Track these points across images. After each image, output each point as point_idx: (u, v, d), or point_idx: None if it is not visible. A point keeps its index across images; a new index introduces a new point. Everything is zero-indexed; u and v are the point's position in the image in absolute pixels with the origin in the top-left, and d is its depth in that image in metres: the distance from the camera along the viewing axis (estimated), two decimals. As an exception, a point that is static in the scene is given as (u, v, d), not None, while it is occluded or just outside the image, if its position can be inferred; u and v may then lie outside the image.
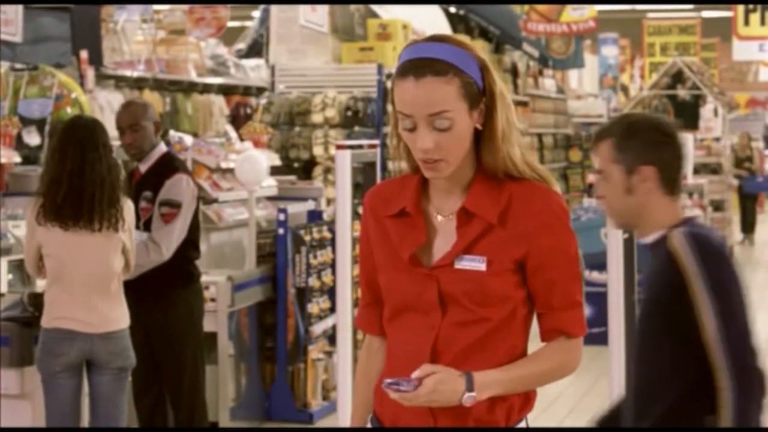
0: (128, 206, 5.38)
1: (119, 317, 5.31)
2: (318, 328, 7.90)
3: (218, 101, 11.34)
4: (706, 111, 17.00)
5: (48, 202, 5.20)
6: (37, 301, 5.44)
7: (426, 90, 2.59)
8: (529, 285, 2.72)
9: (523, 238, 2.67)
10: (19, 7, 8.44)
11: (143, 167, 6.10)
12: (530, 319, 2.78)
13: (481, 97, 2.65)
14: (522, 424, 2.74)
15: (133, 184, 6.06)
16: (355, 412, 2.90)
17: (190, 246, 6.15)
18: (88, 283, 5.22)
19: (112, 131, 9.22)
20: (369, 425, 2.81)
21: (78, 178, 5.20)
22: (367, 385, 2.85)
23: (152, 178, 6.05)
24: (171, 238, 5.94)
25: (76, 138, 5.27)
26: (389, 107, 2.81)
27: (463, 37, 2.75)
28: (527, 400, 2.75)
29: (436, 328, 2.66)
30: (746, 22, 16.57)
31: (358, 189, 6.49)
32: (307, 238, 7.81)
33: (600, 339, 9.78)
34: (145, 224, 5.95)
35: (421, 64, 2.60)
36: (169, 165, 6.08)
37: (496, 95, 2.67)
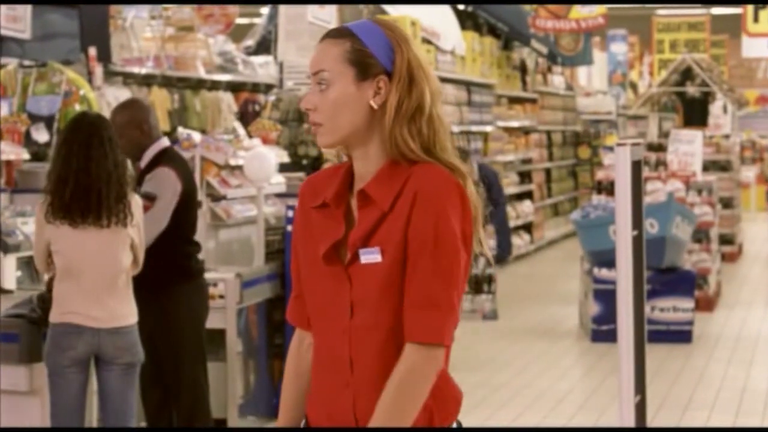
0: (136, 201, 5.38)
1: (127, 313, 5.32)
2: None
3: (227, 98, 11.34)
4: (715, 108, 16.96)
5: (56, 200, 5.21)
6: (46, 305, 5.44)
7: (318, 51, 2.63)
8: (404, 277, 2.56)
9: (399, 224, 2.54)
10: (28, 5, 8.45)
11: (142, 164, 6.14)
12: None
13: (380, 72, 2.58)
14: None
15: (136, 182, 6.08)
16: (285, 414, 2.76)
17: (183, 241, 6.13)
18: (97, 278, 5.23)
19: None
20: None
21: (84, 175, 5.20)
22: (298, 385, 2.75)
23: (144, 174, 6.09)
24: (145, 230, 5.96)
25: (82, 135, 5.27)
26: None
27: (392, 21, 2.70)
28: (444, 402, 2.61)
29: (348, 332, 2.58)
30: (756, 19, 16.54)
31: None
32: (316, 235, 7.79)
33: (609, 336, 9.77)
34: None
35: (329, 30, 2.66)
36: (156, 160, 6.10)
37: (396, 74, 2.59)
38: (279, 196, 8.31)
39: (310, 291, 2.66)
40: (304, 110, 2.58)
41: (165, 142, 6.24)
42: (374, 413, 2.53)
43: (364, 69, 2.59)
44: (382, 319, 2.56)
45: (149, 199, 5.92)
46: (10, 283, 6.44)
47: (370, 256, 2.56)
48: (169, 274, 6.03)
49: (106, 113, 8.95)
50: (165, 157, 6.15)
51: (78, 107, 8.27)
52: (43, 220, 5.24)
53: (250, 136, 9.19)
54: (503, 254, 11.00)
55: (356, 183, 2.64)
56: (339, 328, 2.59)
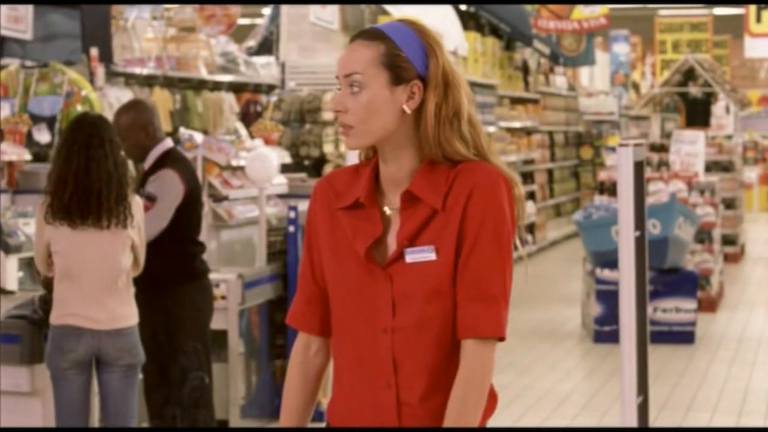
0: (136, 202, 5.37)
1: (127, 314, 5.30)
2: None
3: (228, 98, 11.34)
4: (717, 108, 16.95)
5: (56, 201, 5.20)
6: (47, 306, 5.43)
7: (350, 50, 2.61)
8: (456, 276, 2.57)
9: (454, 222, 2.56)
10: (30, 5, 8.44)
11: (146, 166, 6.15)
12: None
13: (414, 77, 2.59)
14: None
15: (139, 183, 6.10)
16: (290, 419, 2.73)
17: (186, 242, 6.14)
18: (97, 280, 5.22)
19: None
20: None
21: (85, 176, 5.19)
22: (304, 389, 2.72)
23: (148, 175, 6.09)
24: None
25: (82, 135, 5.26)
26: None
27: (423, 23, 2.70)
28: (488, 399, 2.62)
29: (389, 331, 2.57)
30: (758, 19, 16.53)
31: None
32: (318, 235, 7.78)
33: (611, 337, 9.76)
34: None
35: (360, 31, 2.63)
36: (161, 162, 6.10)
37: (432, 79, 2.59)
38: (281, 196, 8.31)
39: (339, 291, 2.63)
40: (333, 111, 2.57)
41: (169, 143, 6.24)
42: (448, 413, 2.53)
43: (399, 73, 2.59)
44: (431, 317, 2.56)
45: (150, 200, 5.92)
46: (11, 284, 6.44)
47: (421, 255, 2.56)
48: (174, 274, 6.04)
49: (108, 114, 8.95)
50: (169, 159, 6.16)
51: (80, 108, 8.27)
52: (42, 221, 5.23)
53: (251, 136, 9.18)
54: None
55: (385, 183, 2.63)
56: (378, 328, 2.58)
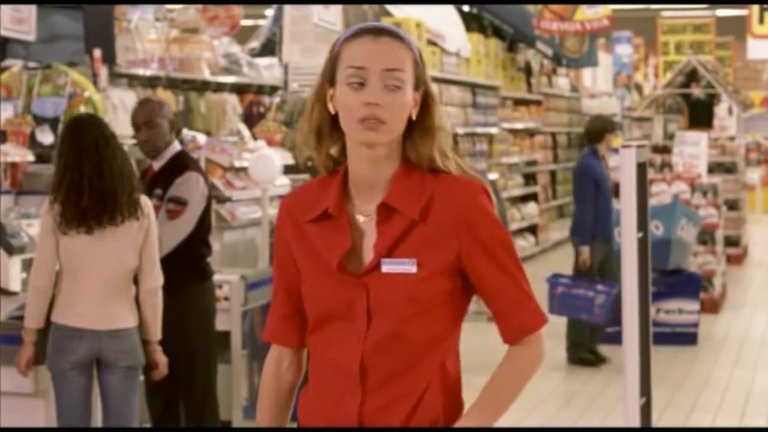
0: (144, 198, 5.35)
1: (127, 315, 5.28)
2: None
3: (231, 100, 11.34)
4: (720, 110, 16.94)
5: (70, 209, 5.13)
6: (49, 309, 5.39)
7: (386, 45, 2.57)
8: (478, 290, 2.64)
9: (452, 239, 2.58)
10: (33, 6, 8.45)
11: (156, 165, 6.12)
12: (458, 335, 2.68)
13: (421, 85, 2.62)
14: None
15: (146, 181, 6.06)
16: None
17: (201, 243, 6.17)
18: (102, 279, 5.20)
19: (126, 129, 9.27)
20: None
21: (99, 180, 5.14)
22: (277, 401, 2.77)
23: (164, 175, 6.06)
24: (172, 235, 5.95)
25: (87, 139, 5.21)
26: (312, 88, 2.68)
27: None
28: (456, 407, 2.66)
29: (362, 340, 2.57)
30: (761, 21, 16.50)
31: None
32: (320, 236, 7.78)
33: (614, 338, 9.75)
34: None
35: (378, 28, 2.60)
36: (180, 163, 6.10)
37: (430, 88, 2.64)
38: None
39: (315, 301, 2.63)
40: (366, 103, 2.53)
41: (178, 145, 6.24)
42: (469, 412, 2.58)
43: (418, 80, 2.62)
44: (408, 330, 2.57)
45: (180, 204, 5.91)
46: (15, 285, 6.44)
47: (399, 267, 2.56)
48: (187, 274, 6.04)
49: (111, 115, 8.97)
50: (189, 161, 6.17)
51: (83, 109, 8.27)
52: (51, 232, 5.16)
53: (254, 137, 9.19)
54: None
55: (357, 189, 2.62)
56: (353, 336, 2.58)
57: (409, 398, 2.57)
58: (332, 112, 2.60)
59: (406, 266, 2.56)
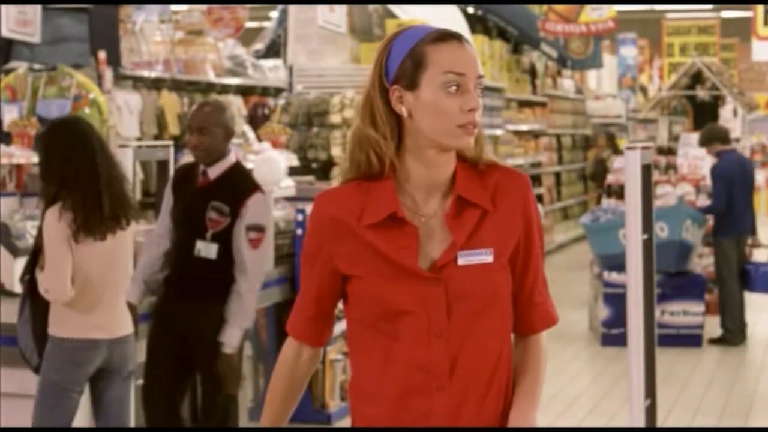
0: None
1: (128, 321, 5.21)
2: (336, 329, 7.88)
3: (236, 102, 11.34)
4: (725, 112, 16.91)
5: (89, 218, 4.93)
6: (45, 321, 5.28)
7: (473, 52, 2.61)
8: (517, 276, 2.66)
9: (515, 228, 2.64)
10: (38, 8, 8.48)
11: (212, 173, 5.80)
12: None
13: None
14: None
15: (197, 188, 5.80)
16: (273, 422, 2.80)
17: (232, 257, 5.89)
18: (114, 286, 5.10)
19: (132, 131, 9.28)
20: None
21: (116, 183, 5.03)
22: (291, 396, 2.78)
23: (225, 189, 5.77)
24: (260, 264, 5.78)
25: (92, 144, 5.04)
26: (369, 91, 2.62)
27: None
28: None
29: (442, 334, 2.57)
30: (766, 22, 16.50)
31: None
32: (325, 238, 7.77)
33: (619, 340, 9.74)
34: (214, 236, 5.72)
35: (455, 32, 2.62)
36: (245, 180, 5.84)
37: None
38: (288, 199, 8.31)
39: (381, 300, 2.58)
40: (472, 110, 2.56)
41: (233, 156, 5.93)
42: (522, 400, 2.62)
43: None
44: (486, 321, 2.60)
45: (261, 231, 5.72)
46: (19, 287, 6.42)
47: (476, 258, 2.58)
48: (215, 289, 5.79)
49: (116, 117, 8.98)
50: (251, 177, 5.93)
51: (88, 111, 8.28)
52: (66, 243, 4.93)
53: (259, 139, 9.20)
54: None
55: (415, 191, 2.61)
56: (431, 332, 2.57)
57: (499, 384, 2.62)
58: (404, 114, 2.59)
59: (483, 256, 2.59)
